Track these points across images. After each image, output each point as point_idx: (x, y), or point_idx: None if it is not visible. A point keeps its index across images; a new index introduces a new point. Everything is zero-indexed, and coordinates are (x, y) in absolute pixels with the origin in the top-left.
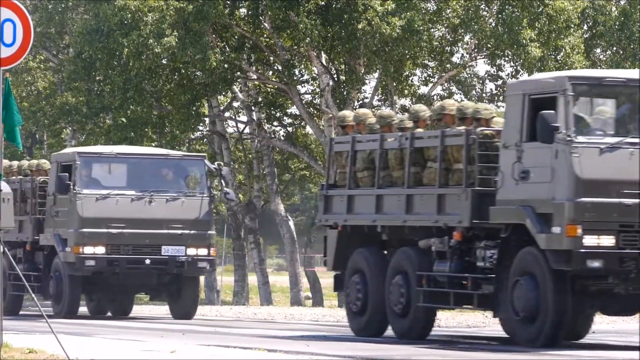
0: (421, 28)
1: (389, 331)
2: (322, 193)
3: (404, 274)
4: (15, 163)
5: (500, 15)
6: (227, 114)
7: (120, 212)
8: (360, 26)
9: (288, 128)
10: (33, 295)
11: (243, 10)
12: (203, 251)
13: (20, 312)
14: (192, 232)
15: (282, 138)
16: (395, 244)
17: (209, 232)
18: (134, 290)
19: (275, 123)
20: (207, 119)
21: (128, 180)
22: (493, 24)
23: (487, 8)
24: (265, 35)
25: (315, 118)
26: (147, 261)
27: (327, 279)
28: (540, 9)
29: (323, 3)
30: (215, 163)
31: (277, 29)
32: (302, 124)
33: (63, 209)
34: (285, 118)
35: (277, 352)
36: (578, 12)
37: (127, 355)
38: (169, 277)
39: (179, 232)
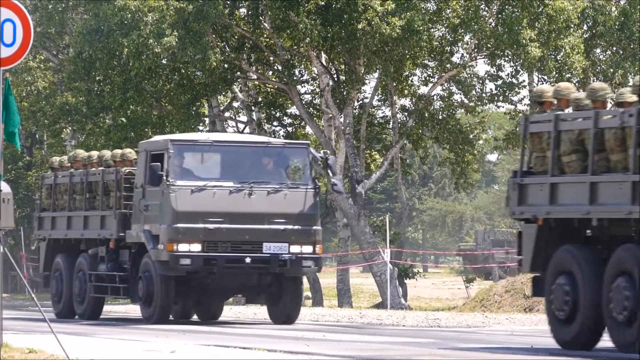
0: (421, 28)
1: (602, 342)
2: (515, 181)
3: (627, 275)
4: (95, 153)
5: (500, 15)
6: (227, 114)
7: (218, 206)
8: (360, 26)
9: (288, 128)
10: (33, 294)
11: (243, 10)
12: (308, 248)
13: (100, 317)
14: (296, 227)
15: (282, 138)
16: (614, 240)
17: (315, 227)
18: (231, 292)
19: (275, 123)
20: (207, 119)
21: (224, 171)
22: (493, 24)
23: (487, 8)
24: (265, 35)
25: (315, 118)
26: (247, 260)
27: (327, 279)
28: (540, 9)
29: (323, 3)
30: (321, 151)
31: (277, 29)
32: (302, 124)
33: (154, 202)
34: (285, 118)
35: (277, 352)
36: (578, 12)
37: (127, 355)
38: (270, 277)
39: (282, 227)
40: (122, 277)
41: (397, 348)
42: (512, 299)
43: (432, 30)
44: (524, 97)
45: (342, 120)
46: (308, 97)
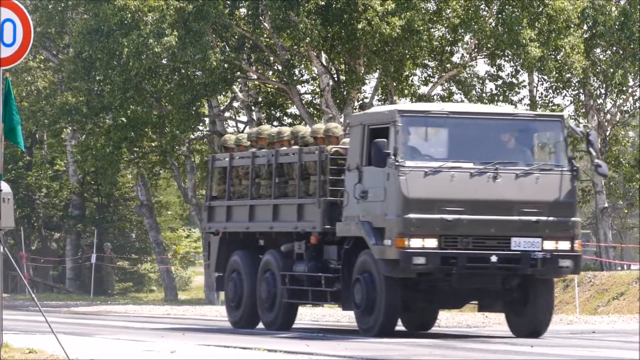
0: (421, 28)
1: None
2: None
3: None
4: (286, 129)
5: (500, 15)
6: (227, 114)
7: (457, 192)
8: (360, 26)
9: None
10: (33, 294)
11: (243, 10)
12: (564, 245)
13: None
14: (551, 218)
15: None
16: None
17: (573, 218)
18: (466, 297)
19: (275, 123)
20: (207, 119)
21: (461, 148)
22: (493, 24)
23: (487, 8)
24: (265, 35)
25: (316, 118)
26: (493, 258)
27: None
28: (540, 9)
29: (323, 3)
30: (581, 125)
31: (277, 29)
32: (302, 124)
33: (375, 187)
34: (285, 118)
35: (277, 352)
36: (578, 12)
37: (127, 355)
38: (517, 280)
39: (534, 218)
40: (328, 279)
41: (397, 348)
42: None
43: (432, 30)
44: (524, 97)
45: (342, 120)
46: (308, 97)
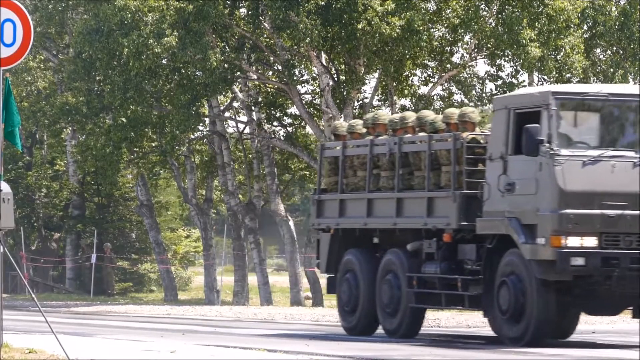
0: (421, 28)
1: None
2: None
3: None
4: (411, 114)
5: (500, 15)
6: (227, 114)
7: (620, 184)
8: (360, 26)
9: (288, 128)
10: (33, 294)
11: (243, 10)
12: None
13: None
14: None
15: (282, 138)
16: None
17: None
18: (626, 302)
19: (275, 123)
20: (207, 119)
21: (620, 135)
22: (493, 24)
23: (487, 8)
24: (265, 35)
25: (316, 118)
26: None
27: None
28: (540, 9)
29: (323, 3)
30: None
31: (277, 29)
32: (302, 124)
33: (525, 179)
34: (285, 118)
35: (277, 352)
36: (578, 12)
37: (127, 355)
38: None
39: None
40: (466, 281)
41: (397, 348)
42: None
43: (432, 30)
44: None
45: (342, 120)
46: (308, 97)
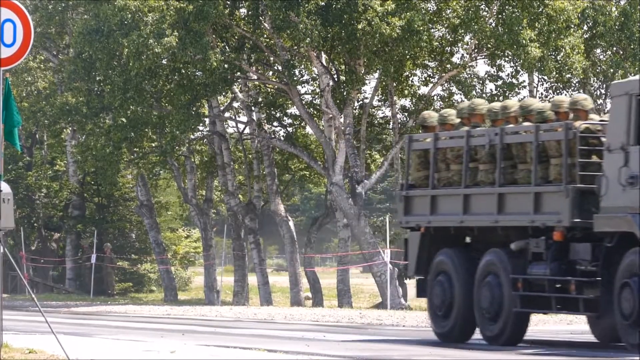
0: (421, 28)
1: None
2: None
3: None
4: (513, 103)
5: (500, 16)
6: (227, 114)
7: None
8: (360, 26)
9: (288, 128)
10: (32, 295)
11: (243, 11)
12: None
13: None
14: None
15: (282, 138)
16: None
17: None
18: None
19: (275, 123)
20: (207, 119)
21: None
22: (493, 24)
23: (487, 8)
24: (265, 36)
25: (316, 118)
26: None
27: (327, 279)
28: (540, 9)
29: (323, 3)
30: None
31: (277, 29)
32: (302, 124)
33: None
34: (285, 118)
35: (277, 352)
36: (578, 12)
37: (127, 355)
38: None
39: None
40: (580, 283)
41: (397, 348)
42: None
43: (432, 30)
44: (524, 97)
45: (342, 120)
46: (308, 97)
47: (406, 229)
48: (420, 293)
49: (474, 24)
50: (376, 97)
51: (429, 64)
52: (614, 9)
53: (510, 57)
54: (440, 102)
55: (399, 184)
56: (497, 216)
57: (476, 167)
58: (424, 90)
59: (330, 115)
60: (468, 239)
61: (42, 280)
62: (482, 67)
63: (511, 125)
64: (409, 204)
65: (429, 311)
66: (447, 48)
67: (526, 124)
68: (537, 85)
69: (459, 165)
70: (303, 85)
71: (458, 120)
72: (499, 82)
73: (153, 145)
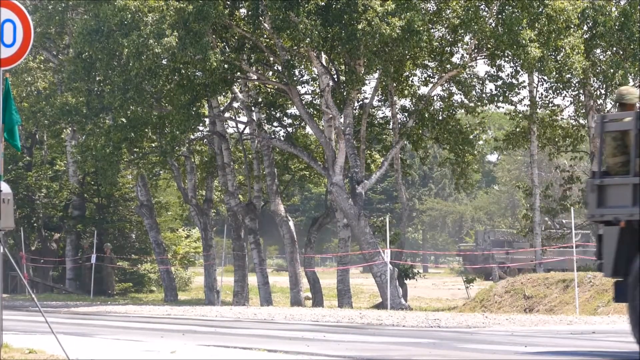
0: (421, 28)
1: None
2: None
3: None
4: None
5: (500, 16)
6: (227, 115)
7: None
8: (360, 26)
9: (288, 128)
10: (32, 295)
11: (243, 11)
12: None
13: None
14: None
15: (282, 138)
16: None
17: None
18: None
19: (275, 123)
20: (207, 119)
21: None
22: (493, 24)
23: (487, 8)
24: (265, 36)
25: (316, 118)
26: None
27: (327, 279)
28: (540, 9)
29: (323, 3)
30: None
31: (277, 29)
32: (302, 124)
33: None
34: (285, 118)
35: (277, 352)
36: (578, 13)
37: (127, 355)
38: None
39: None
40: None
41: (397, 348)
42: (512, 300)
43: (432, 30)
44: (524, 97)
45: (342, 120)
46: (308, 97)
47: (599, 223)
48: (619, 297)
49: (473, 24)
50: (376, 97)
51: (429, 64)
52: (613, 9)
53: (510, 57)
54: (440, 103)
55: (590, 172)
56: None
57: None
58: (424, 90)
59: (330, 116)
60: None
61: (42, 280)
62: (482, 67)
63: None
64: (603, 194)
65: (631, 317)
66: (447, 48)
67: None
68: (537, 85)
69: None
70: (303, 85)
71: None
72: (499, 83)
73: (153, 145)
